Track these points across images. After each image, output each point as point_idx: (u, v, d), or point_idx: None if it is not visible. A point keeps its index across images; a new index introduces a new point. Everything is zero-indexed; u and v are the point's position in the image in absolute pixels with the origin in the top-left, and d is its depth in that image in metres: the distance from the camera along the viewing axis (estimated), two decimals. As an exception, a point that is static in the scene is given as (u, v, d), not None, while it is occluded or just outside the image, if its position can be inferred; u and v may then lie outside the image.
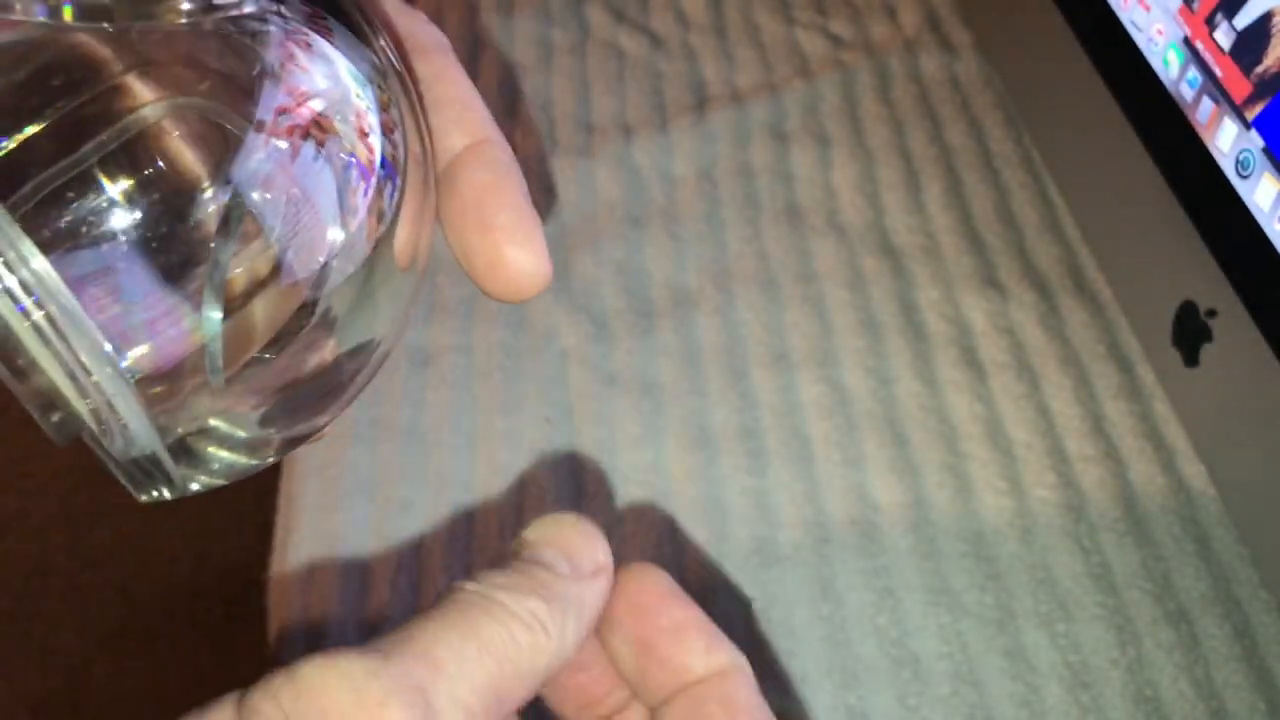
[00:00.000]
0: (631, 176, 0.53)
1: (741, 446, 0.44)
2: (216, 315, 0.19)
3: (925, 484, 0.43)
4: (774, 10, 0.61)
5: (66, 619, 1.11)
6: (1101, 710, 0.38)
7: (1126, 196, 0.47)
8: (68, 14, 0.18)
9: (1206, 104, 0.41)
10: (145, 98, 0.18)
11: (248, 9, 0.19)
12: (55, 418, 0.19)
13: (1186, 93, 0.43)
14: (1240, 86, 0.40)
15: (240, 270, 0.19)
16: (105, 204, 0.18)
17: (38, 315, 0.17)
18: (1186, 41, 0.42)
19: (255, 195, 0.18)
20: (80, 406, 0.19)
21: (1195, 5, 0.42)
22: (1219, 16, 0.40)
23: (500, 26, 0.61)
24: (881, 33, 0.60)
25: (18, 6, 0.18)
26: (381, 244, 0.20)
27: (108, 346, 0.18)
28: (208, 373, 0.19)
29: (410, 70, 0.24)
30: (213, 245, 0.18)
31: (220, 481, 0.21)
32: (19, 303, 0.17)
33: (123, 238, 0.18)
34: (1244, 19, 0.39)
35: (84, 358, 0.18)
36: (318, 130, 0.19)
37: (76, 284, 0.18)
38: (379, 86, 0.20)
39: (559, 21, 0.61)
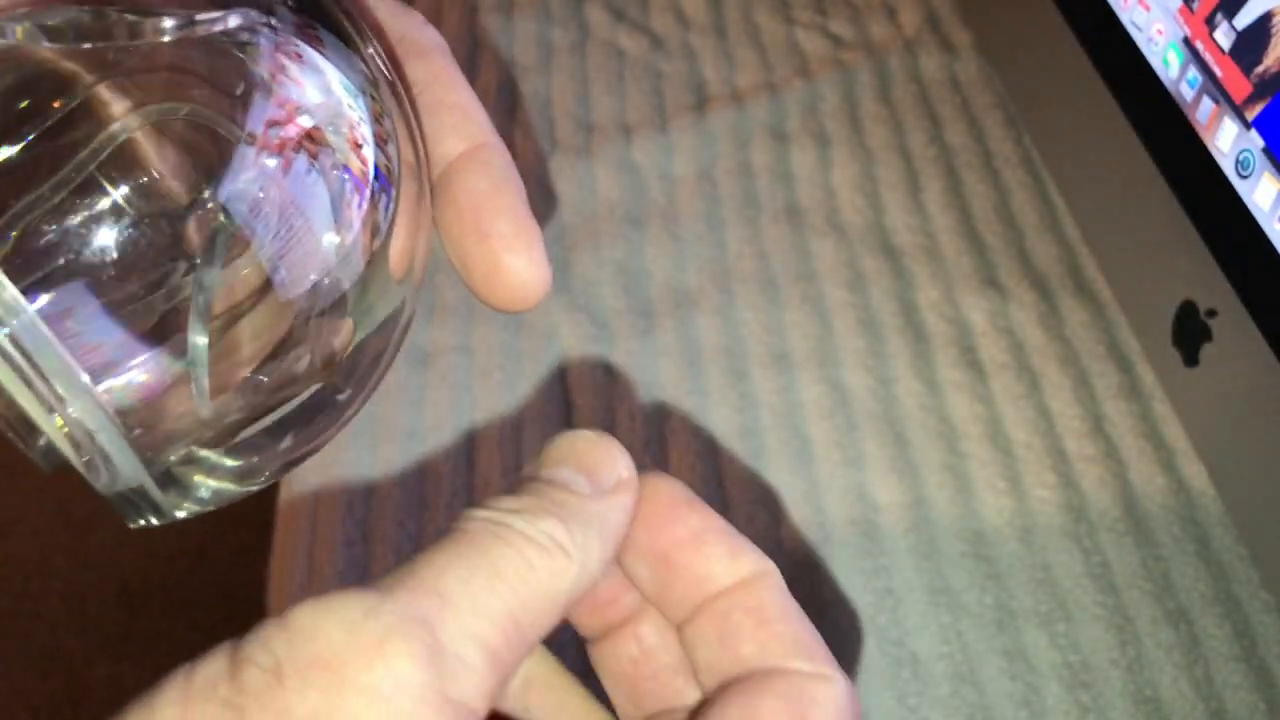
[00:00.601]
0: (631, 176, 0.53)
1: (741, 446, 0.44)
2: (202, 340, 0.18)
3: (925, 484, 0.43)
4: (774, 10, 0.61)
5: (67, 620, 1.11)
6: (1101, 710, 0.38)
7: (1126, 196, 0.47)
8: (45, 33, 0.17)
9: (1206, 104, 0.41)
10: (122, 110, 0.18)
11: (233, 23, 0.18)
12: (40, 443, 0.18)
13: (1186, 93, 0.43)
14: (1240, 86, 0.40)
15: (228, 291, 0.18)
16: (83, 230, 0.17)
17: (9, 347, 0.17)
18: (1186, 41, 0.42)
19: (246, 211, 0.18)
20: (60, 440, 0.18)
21: (1195, 5, 0.42)
22: (1219, 16, 0.40)
23: (500, 26, 0.61)
24: (881, 33, 0.60)
25: None
26: (377, 257, 0.20)
27: (85, 378, 0.17)
28: (194, 399, 0.19)
29: (403, 75, 0.23)
30: (197, 268, 0.18)
31: (210, 508, 0.21)
32: None
33: (101, 265, 0.17)
34: (1244, 19, 0.39)
35: (61, 391, 0.17)
36: (310, 143, 0.18)
37: (53, 314, 0.17)
38: (371, 97, 0.20)
39: (559, 21, 0.61)
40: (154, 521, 0.20)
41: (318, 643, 0.17)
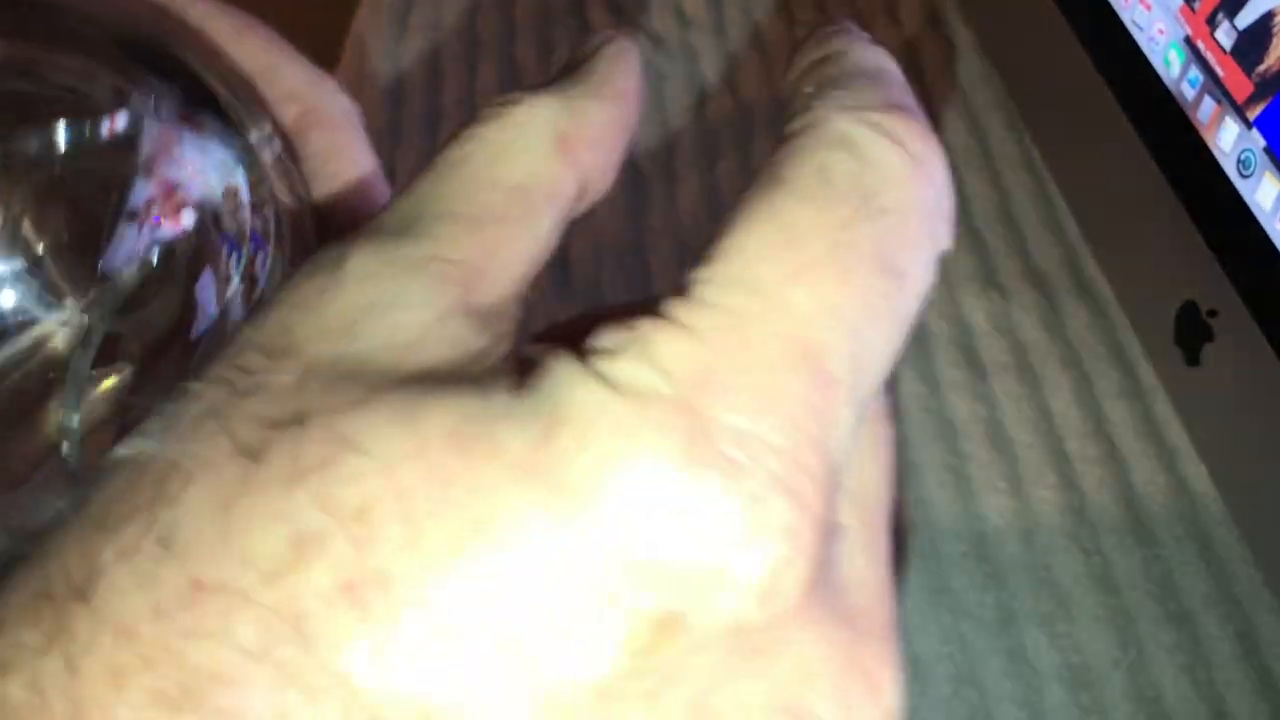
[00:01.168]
0: (632, 176, 0.53)
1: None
2: (74, 419, 0.19)
3: (925, 484, 0.43)
4: (774, 9, 0.61)
5: (66, 620, 1.11)
6: (1103, 711, 0.38)
7: (1127, 196, 0.46)
8: None
9: (1208, 103, 0.41)
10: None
11: (120, 126, 0.19)
12: None
13: (1188, 92, 0.42)
14: (1242, 86, 0.39)
15: (104, 372, 0.19)
16: None
17: None
18: (1188, 41, 0.42)
19: (129, 278, 0.19)
20: None
21: (1196, 4, 0.42)
22: (1220, 16, 0.40)
23: (500, 26, 0.61)
24: (882, 32, 0.60)
25: None
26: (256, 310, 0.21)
27: None
28: (68, 476, 0.19)
29: (302, 147, 0.24)
30: (72, 358, 0.19)
31: None
32: None
33: None
34: (1245, 18, 0.39)
35: None
36: (188, 214, 0.20)
37: None
38: (249, 169, 0.21)
39: (559, 21, 0.61)
40: None
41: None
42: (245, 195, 0.21)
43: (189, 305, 0.20)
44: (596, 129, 0.18)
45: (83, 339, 0.19)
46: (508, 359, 0.15)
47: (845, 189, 0.15)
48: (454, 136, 0.17)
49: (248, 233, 0.21)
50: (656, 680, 0.13)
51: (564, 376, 0.14)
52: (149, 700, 0.13)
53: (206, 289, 0.20)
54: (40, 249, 0.18)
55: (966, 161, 0.54)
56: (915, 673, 0.39)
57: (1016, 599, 0.40)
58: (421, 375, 0.14)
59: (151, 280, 0.19)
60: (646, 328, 0.14)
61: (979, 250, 0.50)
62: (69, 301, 0.18)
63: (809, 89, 0.17)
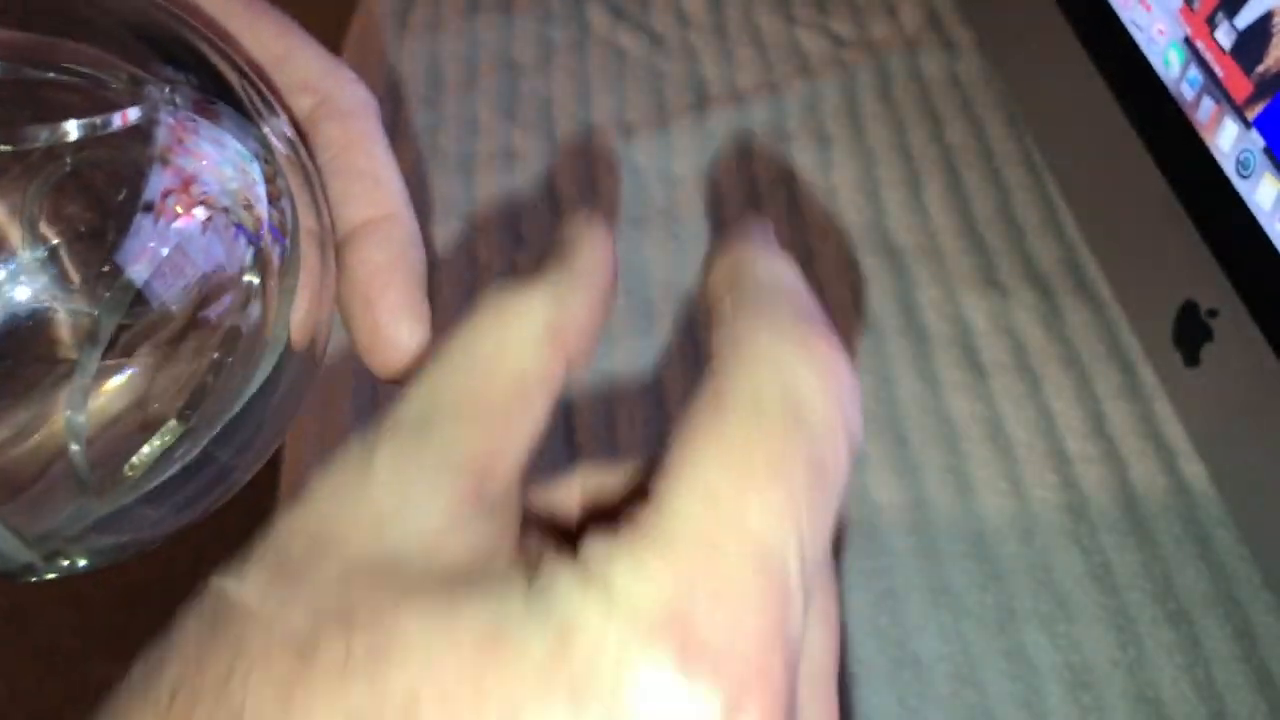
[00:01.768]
0: (631, 176, 0.53)
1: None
2: (80, 418, 0.19)
3: (926, 484, 0.43)
4: (774, 9, 0.61)
5: (66, 619, 1.11)
6: (1102, 711, 0.38)
7: (1127, 196, 0.47)
8: None
9: (1207, 104, 0.41)
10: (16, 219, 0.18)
11: (134, 118, 0.19)
12: None
13: (1187, 92, 0.42)
14: (1241, 86, 0.40)
15: (114, 367, 0.19)
16: None
17: None
18: (1187, 41, 0.42)
19: (144, 272, 0.19)
20: None
21: (1196, 5, 0.42)
22: (1220, 16, 0.40)
23: (500, 26, 0.61)
24: (882, 32, 0.60)
25: None
26: (276, 317, 0.21)
27: None
28: (76, 476, 0.19)
29: (317, 138, 0.24)
30: (81, 353, 0.18)
31: (104, 564, 0.21)
32: None
33: None
34: (1245, 18, 0.39)
35: None
36: (204, 207, 0.19)
37: None
38: (265, 162, 0.21)
39: (559, 21, 0.61)
40: (46, 577, 0.21)
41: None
42: (260, 189, 0.20)
43: (203, 300, 0.19)
44: (581, 318, 0.21)
45: (92, 334, 0.18)
46: (514, 554, 0.18)
47: (776, 409, 0.18)
48: (458, 330, 0.19)
49: (263, 226, 0.20)
50: None
51: (570, 590, 0.16)
52: None
53: (221, 283, 0.20)
54: (54, 241, 0.18)
55: (966, 161, 0.54)
56: (915, 673, 0.39)
57: (1016, 599, 0.40)
58: (448, 575, 0.17)
59: (165, 274, 0.19)
60: (633, 541, 0.16)
61: (979, 250, 0.50)
62: (80, 295, 0.18)
63: (727, 301, 0.20)
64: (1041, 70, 0.53)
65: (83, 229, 0.18)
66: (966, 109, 0.56)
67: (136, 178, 0.19)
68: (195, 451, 0.20)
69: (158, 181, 0.19)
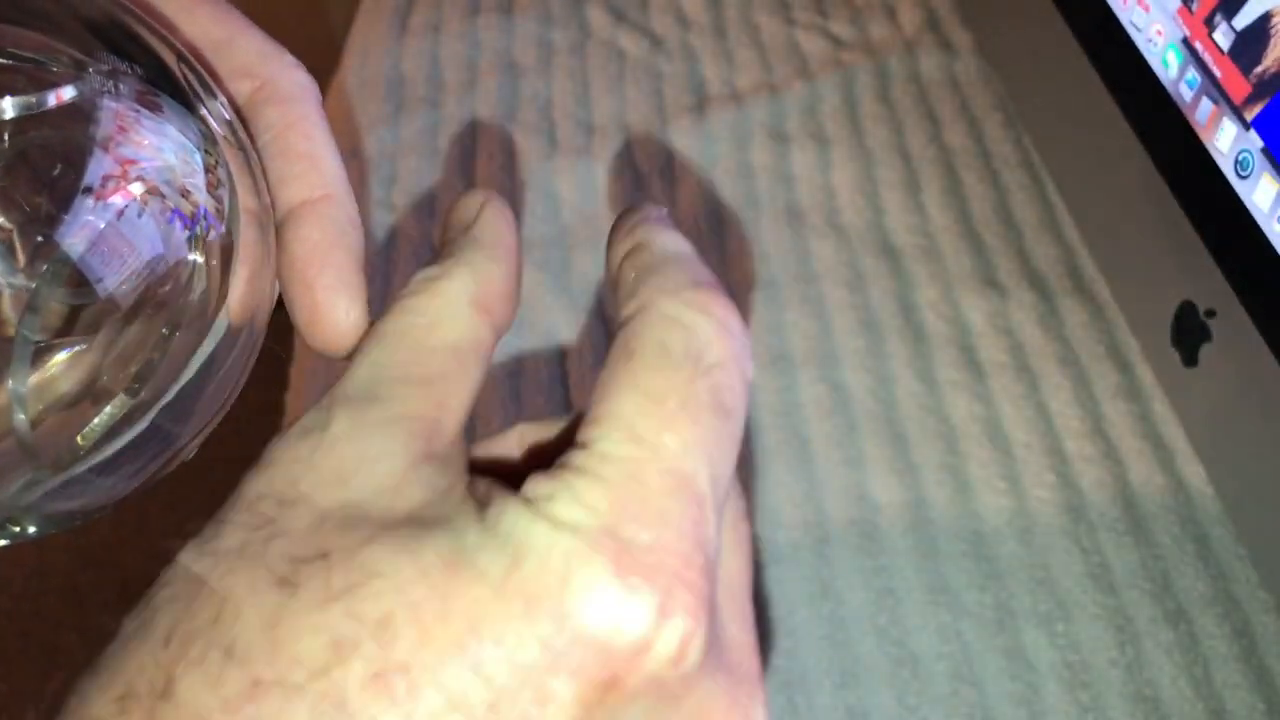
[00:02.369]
0: (631, 176, 0.53)
1: (742, 446, 0.44)
2: (22, 389, 0.19)
3: (925, 484, 0.43)
4: (774, 11, 0.61)
5: (66, 619, 1.11)
6: (1101, 710, 0.38)
7: (1126, 197, 0.47)
8: None
9: (1206, 104, 0.41)
10: None
11: (68, 96, 0.20)
12: None
13: (1186, 93, 0.43)
14: (1239, 87, 0.40)
15: (58, 344, 0.19)
16: None
17: None
18: (1186, 42, 0.42)
19: (83, 251, 0.19)
20: None
21: (1194, 6, 0.42)
22: (1218, 17, 0.41)
23: (500, 26, 0.61)
24: (881, 33, 0.60)
25: None
26: (218, 295, 0.21)
27: None
28: (24, 446, 0.20)
29: (256, 122, 0.24)
30: (21, 322, 0.19)
31: (54, 531, 0.22)
32: None
33: None
34: (1243, 19, 0.40)
35: None
36: (143, 192, 0.20)
37: None
38: (206, 151, 0.21)
39: (559, 22, 0.61)
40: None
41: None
42: (200, 178, 0.21)
43: (148, 281, 0.20)
44: (499, 285, 0.23)
45: (33, 307, 0.19)
46: (466, 495, 0.20)
47: (681, 358, 0.20)
48: (392, 309, 0.22)
49: (201, 211, 0.21)
50: None
51: (518, 519, 0.18)
52: None
53: (164, 264, 0.20)
54: None
55: (965, 162, 0.54)
56: (914, 671, 0.39)
57: (1015, 598, 0.40)
58: (409, 516, 0.19)
59: (103, 251, 0.19)
60: (570, 478, 0.19)
61: (977, 250, 0.50)
62: (23, 273, 0.19)
63: (632, 275, 0.23)
64: (1040, 72, 0.53)
65: (26, 209, 0.19)
66: (965, 110, 0.56)
67: (79, 159, 0.19)
68: (144, 423, 0.21)
69: (98, 167, 0.19)
